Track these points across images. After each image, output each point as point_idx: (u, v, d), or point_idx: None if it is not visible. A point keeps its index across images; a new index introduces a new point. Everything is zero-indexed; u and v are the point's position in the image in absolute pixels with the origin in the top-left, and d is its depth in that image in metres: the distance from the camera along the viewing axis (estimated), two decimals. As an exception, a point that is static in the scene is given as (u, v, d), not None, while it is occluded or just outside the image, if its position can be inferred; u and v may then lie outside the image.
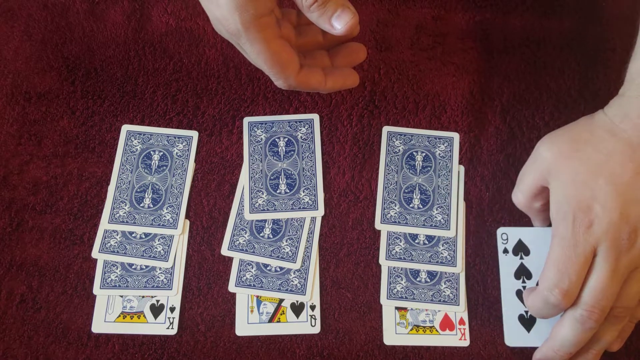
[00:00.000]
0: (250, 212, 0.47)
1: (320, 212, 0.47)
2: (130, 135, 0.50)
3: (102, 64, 0.52)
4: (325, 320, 0.45)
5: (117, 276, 0.46)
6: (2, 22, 0.53)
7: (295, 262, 0.46)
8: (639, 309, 0.40)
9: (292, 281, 0.46)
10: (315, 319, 0.45)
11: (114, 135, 0.50)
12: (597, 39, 0.52)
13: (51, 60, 0.52)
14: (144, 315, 0.45)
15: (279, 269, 0.46)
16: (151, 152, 0.49)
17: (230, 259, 0.47)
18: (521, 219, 0.47)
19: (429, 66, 0.52)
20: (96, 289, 0.46)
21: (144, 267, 0.46)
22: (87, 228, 0.47)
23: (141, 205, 0.48)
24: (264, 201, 0.48)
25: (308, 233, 0.47)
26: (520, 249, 0.45)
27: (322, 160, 0.49)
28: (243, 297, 0.46)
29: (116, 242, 0.47)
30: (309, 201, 0.48)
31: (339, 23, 0.37)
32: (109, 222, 0.47)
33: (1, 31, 0.53)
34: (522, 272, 0.45)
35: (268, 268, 0.46)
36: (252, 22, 0.36)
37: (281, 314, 0.45)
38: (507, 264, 0.45)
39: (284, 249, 0.46)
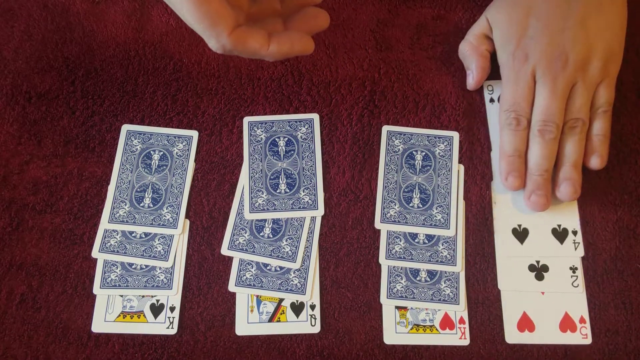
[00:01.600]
0: (250, 212, 0.47)
1: (320, 211, 0.47)
2: (130, 135, 0.50)
3: (102, 64, 0.52)
4: (325, 320, 0.45)
5: (117, 276, 0.46)
6: (2, 22, 0.53)
7: (295, 262, 0.46)
8: (592, 119, 0.47)
9: (292, 281, 0.46)
10: (315, 318, 0.45)
11: (114, 135, 0.50)
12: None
13: (51, 60, 0.52)
14: (144, 315, 0.45)
15: (279, 269, 0.46)
16: (151, 152, 0.49)
17: (230, 259, 0.47)
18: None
19: (429, 66, 0.52)
20: (96, 289, 0.46)
21: (144, 267, 0.46)
22: (87, 228, 0.47)
23: (141, 204, 0.48)
24: (263, 201, 0.48)
25: (308, 233, 0.47)
26: None
27: (322, 159, 0.49)
28: (243, 297, 0.46)
29: (116, 242, 0.47)
30: (309, 201, 0.48)
31: None
32: (109, 222, 0.47)
33: (1, 31, 0.53)
34: None
35: (268, 268, 0.46)
36: None
37: (281, 314, 0.45)
38: (494, 112, 0.50)
39: (284, 248, 0.46)
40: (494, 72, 0.51)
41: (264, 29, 0.36)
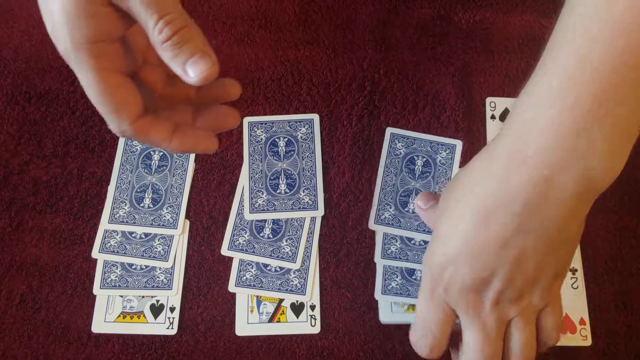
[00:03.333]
0: (250, 212, 0.47)
1: (320, 212, 0.47)
2: (130, 135, 0.50)
3: (102, 64, 0.52)
4: (325, 320, 0.45)
5: (117, 276, 0.46)
6: (2, 22, 0.53)
7: (295, 262, 0.46)
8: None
9: (292, 281, 0.46)
10: (315, 318, 0.45)
11: (113, 135, 0.50)
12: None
13: (51, 60, 0.52)
14: (144, 315, 0.45)
15: (279, 269, 0.46)
16: (151, 152, 0.49)
17: (230, 259, 0.47)
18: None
19: (429, 66, 0.52)
20: (96, 289, 0.46)
21: (144, 267, 0.46)
22: (87, 228, 0.47)
23: (141, 205, 0.48)
24: (263, 201, 0.48)
25: (308, 233, 0.47)
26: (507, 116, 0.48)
27: (322, 160, 0.49)
28: (243, 297, 0.46)
29: (116, 242, 0.47)
30: (309, 201, 0.48)
31: (194, 71, 0.31)
32: (109, 222, 0.47)
33: (1, 31, 0.53)
34: None
35: (268, 268, 0.46)
36: (84, 44, 0.30)
37: (281, 314, 0.45)
38: (494, 129, 0.49)
39: (284, 249, 0.46)
40: (496, 87, 0.51)
41: (171, 119, 0.35)
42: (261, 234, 0.47)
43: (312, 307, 0.45)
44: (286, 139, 0.49)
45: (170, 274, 0.46)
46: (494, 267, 0.34)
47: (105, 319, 0.45)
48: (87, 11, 0.29)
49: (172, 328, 0.45)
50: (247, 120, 0.50)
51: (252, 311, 0.45)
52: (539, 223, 0.33)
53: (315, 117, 0.50)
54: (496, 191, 0.33)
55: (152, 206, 0.48)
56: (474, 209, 0.34)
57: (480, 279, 0.35)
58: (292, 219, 0.47)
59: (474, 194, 0.34)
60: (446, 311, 0.37)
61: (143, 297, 0.46)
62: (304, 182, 0.48)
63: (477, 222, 0.34)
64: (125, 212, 0.47)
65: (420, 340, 0.38)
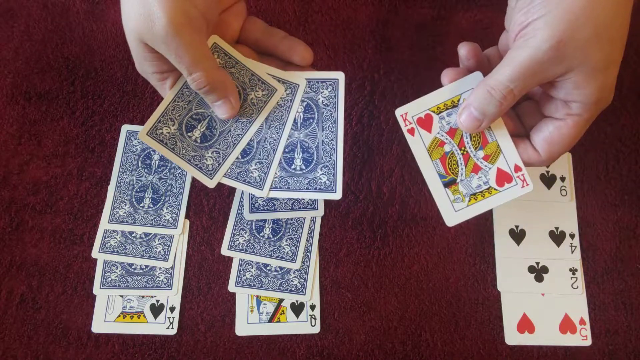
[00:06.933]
0: (250, 212, 0.47)
1: (320, 211, 0.47)
2: (130, 135, 0.50)
3: (102, 64, 0.52)
4: (325, 320, 0.45)
5: (117, 276, 0.46)
6: (2, 22, 0.53)
7: (295, 262, 0.46)
8: None
9: (292, 281, 0.46)
10: (315, 318, 0.45)
11: (114, 135, 0.50)
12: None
13: (51, 60, 0.52)
14: (144, 315, 0.45)
15: (278, 269, 0.46)
16: (151, 152, 0.49)
17: (230, 259, 0.47)
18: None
19: (429, 66, 0.52)
20: (96, 289, 0.46)
21: (144, 267, 0.46)
22: (87, 228, 0.47)
23: (141, 205, 0.48)
24: (264, 201, 0.48)
25: (308, 233, 0.47)
26: None
27: (322, 160, 0.49)
28: (243, 297, 0.46)
29: (116, 242, 0.47)
30: (309, 201, 0.48)
31: (219, 112, 0.39)
32: (109, 222, 0.47)
33: (1, 31, 0.53)
34: None
35: (268, 268, 0.46)
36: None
37: (281, 314, 0.45)
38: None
39: (284, 248, 0.46)
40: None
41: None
42: (261, 234, 0.47)
43: (312, 307, 0.45)
44: (286, 139, 0.49)
45: (170, 274, 0.46)
46: None
47: (105, 319, 0.45)
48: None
49: (172, 328, 0.45)
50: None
51: (252, 311, 0.45)
52: None
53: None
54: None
55: (152, 206, 0.48)
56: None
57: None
58: (292, 219, 0.47)
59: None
60: None
61: (143, 297, 0.46)
62: (304, 182, 0.48)
63: None
64: (125, 212, 0.47)
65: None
